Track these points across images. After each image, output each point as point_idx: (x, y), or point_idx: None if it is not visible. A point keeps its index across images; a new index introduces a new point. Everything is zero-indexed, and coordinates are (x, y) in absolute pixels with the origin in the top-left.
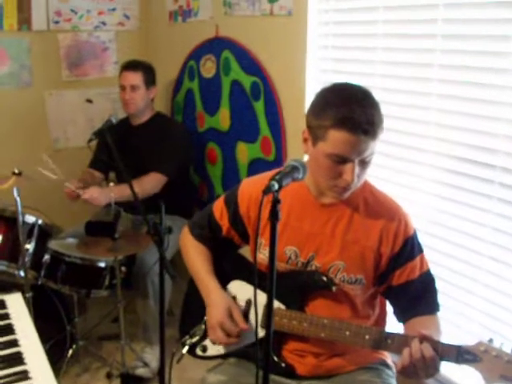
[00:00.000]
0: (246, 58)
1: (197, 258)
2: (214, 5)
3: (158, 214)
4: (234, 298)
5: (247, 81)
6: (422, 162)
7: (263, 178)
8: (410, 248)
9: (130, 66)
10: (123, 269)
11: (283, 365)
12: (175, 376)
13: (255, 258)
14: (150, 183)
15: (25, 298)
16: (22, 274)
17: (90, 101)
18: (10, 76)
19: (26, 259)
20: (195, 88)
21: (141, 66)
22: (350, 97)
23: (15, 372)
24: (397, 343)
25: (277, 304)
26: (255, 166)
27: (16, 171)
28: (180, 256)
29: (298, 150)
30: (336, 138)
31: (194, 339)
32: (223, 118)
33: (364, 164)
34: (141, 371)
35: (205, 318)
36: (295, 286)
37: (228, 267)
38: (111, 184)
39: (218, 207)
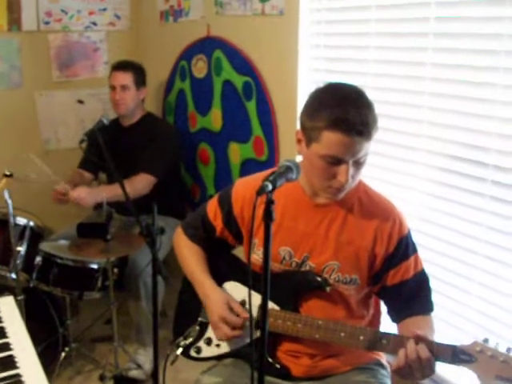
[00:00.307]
0: (237, 57)
1: (191, 259)
2: (206, 4)
3: (150, 214)
4: None
5: (239, 81)
6: (414, 160)
7: (257, 178)
8: (404, 248)
9: (120, 66)
10: (115, 270)
11: (278, 366)
12: (169, 378)
13: (249, 258)
14: (141, 183)
15: (17, 300)
16: (13, 276)
17: (81, 102)
18: (0, 77)
19: (18, 261)
20: (187, 88)
21: (131, 66)
22: (343, 97)
23: (7, 376)
24: (392, 344)
25: (271, 305)
26: (247, 167)
27: (7, 173)
28: (173, 256)
29: (290, 150)
30: (330, 140)
31: (188, 341)
32: (215, 118)
33: (358, 165)
34: (134, 373)
35: (199, 319)
36: (289, 287)
37: (222, 268)
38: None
39: (212, 208)
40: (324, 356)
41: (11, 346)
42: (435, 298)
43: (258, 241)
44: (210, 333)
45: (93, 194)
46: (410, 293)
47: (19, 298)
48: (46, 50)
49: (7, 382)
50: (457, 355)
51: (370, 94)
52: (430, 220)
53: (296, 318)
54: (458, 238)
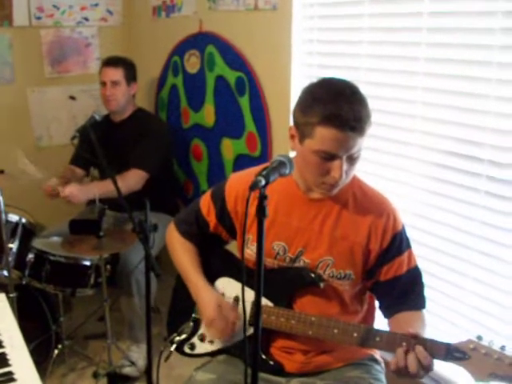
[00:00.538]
0: (230, 53)
1: (184, 257)
2: (198, 0)
3: (142, 211)
4: (222, 295)
5: (232, 76)
6: (408, 155)
7: (251, 172)
8: (398, 243)
9: (111, 61)
10: (108, 267)
11: (271, 362)
12: (163, 374)
13: (243, 254)
14: (133, 179)
15: (9, 298)
16: (5, 273)
17: (73, 98)
18: None
19: (10, 259)
20: (179, 84)
21: (121, 62)
22: (337, 93)
23: None
24: (385, 341)
25: (264, 301)
26: (240, 162)
27: None
28: (165, 253)
29: (283, 146)
30: (323, 135)
31: (182, 337)
32: (208, 114)
33: (352, 160)
34: (127, 370)
35: (193, 315)
36: (283, 283)
37: (215, 264)
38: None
39: (205, 203)
40: (317, 352)
41: (3, 344)
42: (429, 293)
43: (251, 236)
44: (203, 329)
45: (84, 191)
46: (402, 289)
47: (11, 295)
48: (38, 46)
49: None
50: (450, 353)
51: (364, 89)
52: (424, 215)
53: (289, 315)
54: (452, 234)
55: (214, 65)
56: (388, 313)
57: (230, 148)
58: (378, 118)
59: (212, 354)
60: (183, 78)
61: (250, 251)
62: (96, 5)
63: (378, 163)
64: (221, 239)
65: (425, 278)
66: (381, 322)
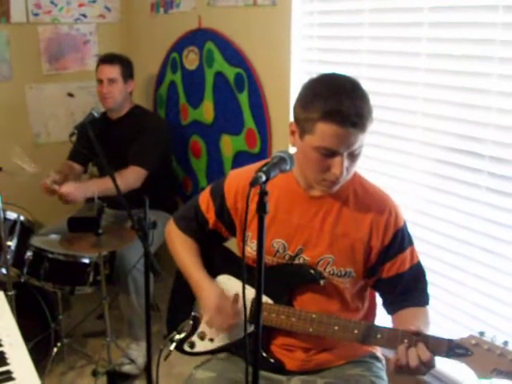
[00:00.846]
0: (229, 49)
1: (184, 252)
2: None
3: (141, 208)
4: None
5: (231, 72)
6: (410, 152)
7: (251, 169)
8: (400, 240)
9: (107, 59)
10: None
11: (272, 360)
12: (163, 372)
13: (243, 251)
14: (132, 176)
15: (7, 296)
16: (3, 271)
17: (71, 95)
18: None
19: (8, 256)
20: (178, 80)
21: (118, 59)
22: (338, 88)
23: None
24: (386, 338)
25: (264, 299)
26: (240, 159)
27: None
28: (164, 250)
29: (283, 142)
30: (324, 131)
31: (182, 335)
32: (207, 111)
33: (353, 157)
34: (127, 368)
35: (192, 313)
36: (283, 280)
37: (215, 261)
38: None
39: (204, 200)
40: (318, 350)
41: (2, 342)
42: (431, 290)
43: (251, 233)
44: (203, 327)
45: (82, 189)
46: (405, 285)
47: (10, 293)
48: (36, 43)
49: None
50: (452, 349)
51: (364, 85)
52: (425, 212)
53: (290, 312)
54: (453, 230)
55: (213, 61)
56: (391, 309)
57: (229, 144)
58: (378, 114)
59: (212, 352)
60: (182, 74)
61: (250, 248)
62: (94, 1)
63: (378, 159)
64: (220, 236)
65: (427, 276)
66: (382, 320)
